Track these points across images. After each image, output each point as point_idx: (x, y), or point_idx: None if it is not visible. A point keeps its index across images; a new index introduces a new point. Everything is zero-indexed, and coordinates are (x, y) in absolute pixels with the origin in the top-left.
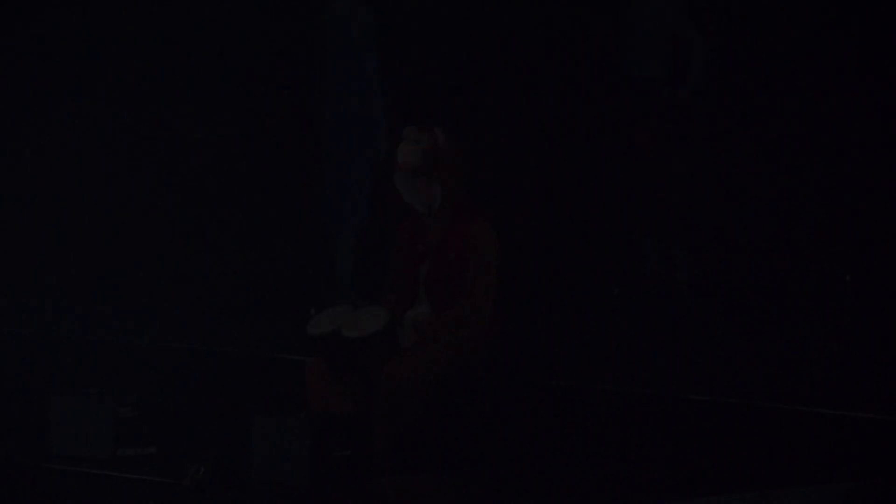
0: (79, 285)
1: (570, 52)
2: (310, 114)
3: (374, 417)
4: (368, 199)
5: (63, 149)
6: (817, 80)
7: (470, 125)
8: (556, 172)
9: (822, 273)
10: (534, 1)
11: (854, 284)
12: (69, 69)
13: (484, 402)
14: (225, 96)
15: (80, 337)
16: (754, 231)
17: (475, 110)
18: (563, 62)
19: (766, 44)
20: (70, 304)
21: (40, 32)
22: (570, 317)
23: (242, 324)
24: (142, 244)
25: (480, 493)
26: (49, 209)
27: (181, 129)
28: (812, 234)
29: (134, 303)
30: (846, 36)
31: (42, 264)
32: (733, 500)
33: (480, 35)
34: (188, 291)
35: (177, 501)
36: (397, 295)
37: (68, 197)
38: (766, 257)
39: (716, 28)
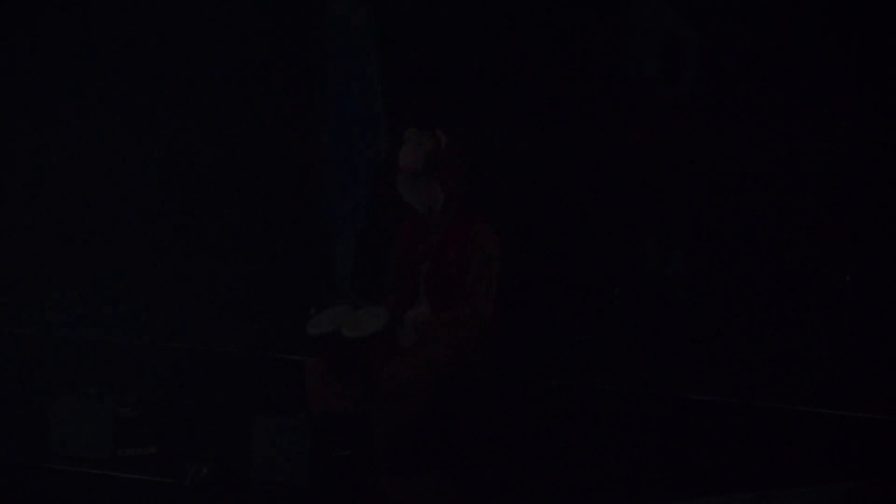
0: (79, 285)
1: (570, 52)
2: (310, 114)
3: (374, 417)
4: (368, 199)
5: (63, 149)
6: (817, 80)
7: (470, 125)
8: (556, 173)
9: (822, 273)
10: (533, 1)
11: (854, 284)
12: (68, 70)
13: (484, 402)
14: (225, 96)
15: (80, 337)
16: (754, 231)
17: (475, 110)
18: (562, 62)
19: (765, 44)
20: (70, 304)
21: (41, 33)
22: (570, 317)
23: (242, 324)
24: (142, 244)
25: (480, 493)
26: (49, 209)
27: (181, 130)
28: (812, 234)
29: (134, 303)
30: (846, 36)
31: (42, 264)
32: (733, 500)
33: (480, 35)
34: (188, 291)
35: (177, 501)
36: (397, 295)
37: (68, 197)
38: (765, 257)
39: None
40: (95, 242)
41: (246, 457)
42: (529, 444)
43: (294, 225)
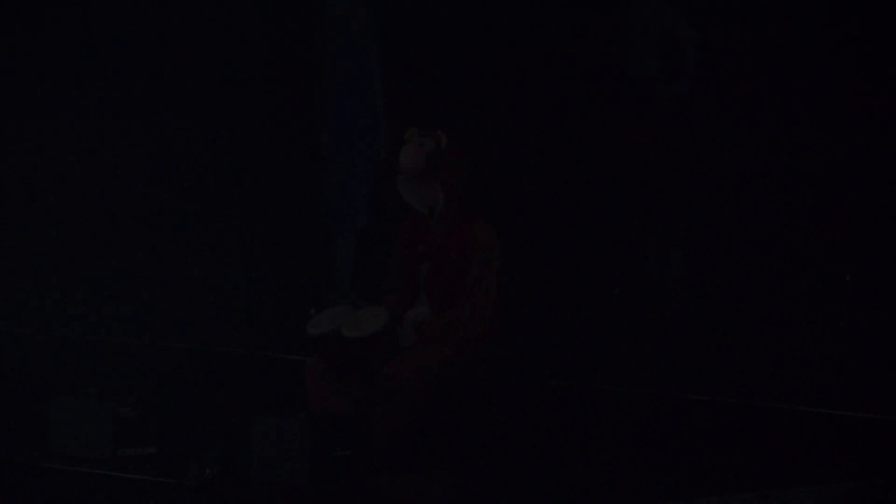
0: (79, 285)
1: (570, 52)
2: (310, 114)
3: (374, 417)
4: (368, 199)
5: (63, 150)
6: (817, 81)
7: (470, 125)
8: (556, 172)
9: (821, 273)
10: (533, 1)
11: (854, 284)
12: (69, 70)
13: (484, 402)
14: (225, 96)
15: (80, 337)
16: (754, 231)
17: (475, 110)
18: (562, 62)
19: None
20: (70, 304)
21: (42, 33)
22: (570, 317)
23: (242, 324)
24: (142, 244)
25: (480, 493)
26: (49, 209)
27: (181, 130)
28: (812, 235)
29: (134, 303)
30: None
31: (42, 264)
32: (733, 500)
33: (480, 35)
34: (188, 291)
35: (177, 501)
36: (397, 295)
37: (69, 197)
38: (765, 257)
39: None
40: (95, 242)
41: (246, 457)
42: (529, 444)
43: (294, 225)
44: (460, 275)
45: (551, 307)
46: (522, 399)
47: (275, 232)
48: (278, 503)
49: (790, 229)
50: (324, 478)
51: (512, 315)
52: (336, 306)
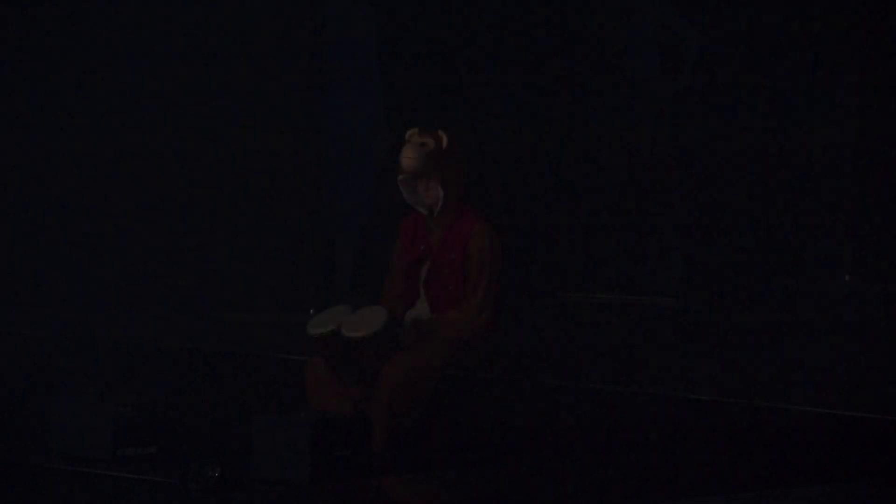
0: (78, 285)
1: (570, 52)
2: (310, 114)
3: (374, 417)
4: (368, 199)
5: (63, 150)
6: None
7: (470, 126)
8: (556, 172)
9: (821, 273)
10: (533, 1)
11: (854, 284)
12: (69, 70)
13: (484, 402)
14: (225, 97)
15: (80, 337)
16: (753, 231)
17: (475, 111)
18: (562, 62)
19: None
20: (70, 304)
21: (43, 32)
22: (570, 317)
23: (242, 324)
24: (142, 244)
25: (480, 493)
26: (49, 209)
27: (182, 130)
28: (811, 235)
29: (134, 303)
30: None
31: (42, 264)
32: (733, 500)
33: (481, 35)
34: (188, 291)
35: (178, 501)
36: (397, 295)
37: (69, 197)
38: (765, 257)
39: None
40: (95, 243)
41: (246, 457)
42: (529, 444)
43: (294, 225)
44: (460, 275)
45: (551, 307)
46: (522, 399)
47: (275, 232)
48: (278, 503)
49: (789, 230)
50: (324, 478)
51: (512, 315)
52: (336, 306)
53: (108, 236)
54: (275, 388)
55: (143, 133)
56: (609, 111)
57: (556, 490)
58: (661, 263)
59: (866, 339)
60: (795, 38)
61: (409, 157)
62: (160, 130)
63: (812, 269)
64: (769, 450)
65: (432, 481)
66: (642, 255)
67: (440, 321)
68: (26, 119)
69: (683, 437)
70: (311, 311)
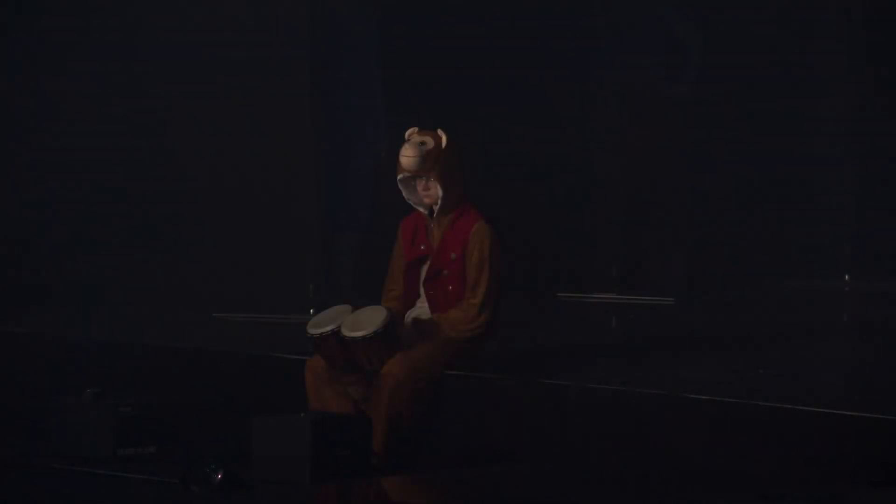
0: (79, 285)
1: (570, 51)
2: (310, 114)
3: (374, 417)
4: (368, 199)
5: (62, 149)
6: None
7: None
8: (557, 173)
9: (821, 273)
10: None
11: (854, 284)
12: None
13: (484, 402)
14: (225, 97)
15: (80, 337)
16: (753, 232)
17: (476, 111)
18: (562, 62)
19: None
20: (70, 304)
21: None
22: (570, 316)
23: (242, 324)
24: (142, 244)
25: (480, 493)
26: (49, 209)
27: (181, 130)
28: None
29: (134, 303)
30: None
31: (42, 264)
32: (733, 500)
33: (481, 36)
34: (188, 291)
35: (178, 501)
36: (397, 295)
37: (69, 197)
38: (764, 256)
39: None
40: (95, 242)
41: (246, 457)
42: (529, 444)
43: (294, 226)
44: (460, 275)
45: (551, 307)
46: (522, 399)
47: (275, 232)
48: (278, 503)
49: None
50: (324, 478)
51: (512, 315)
52: (336, 306)
53: (107, 236)
54: (275, 388)
55: (143, 133)
56: (609, 111)
57: (556, 490)
58: (661, 263)
59: (866, 339)
60: (795, 38)
61: (407, 156)
62: (160, 130)
63: (812, 269)
64: (769, 450)
65: (432, 481)
66: (642, 256)
67: (441, 321)
68: (26, 119)
69: (684, 437)
70: (311, 311)
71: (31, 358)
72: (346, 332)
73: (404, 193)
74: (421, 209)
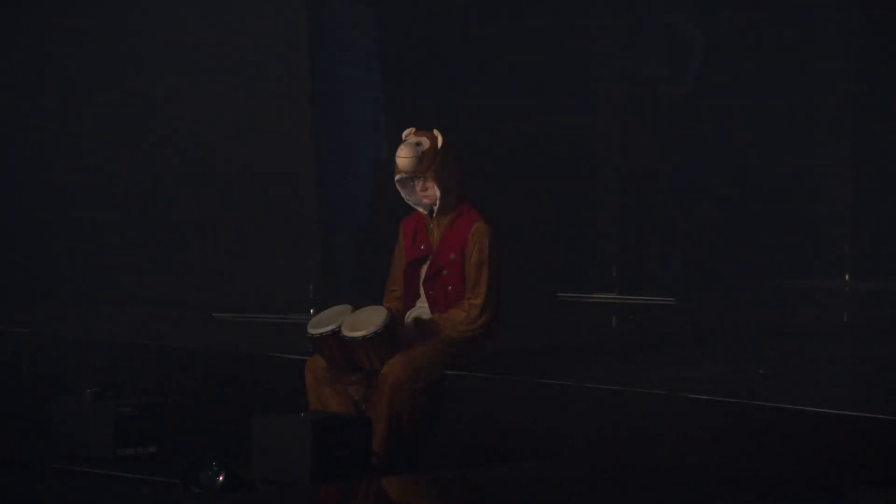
0: (79, 285)
1: (571, 51)
2: (310, 114)
3: (374, 417)
4: (368, 199)
5: (63, 148)
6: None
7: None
8: (557, 172)
9: (821, 273)
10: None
11: (854, 284)
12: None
13: (484, 402)
14: (225, 96)
15: (80, 337)
16: (753, 232)
17: (476, 112)
18: (563, 62)
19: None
20: (70, 304)
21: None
22: (570, 316)
23: (242, 323)
24: (142, 244)
25: (480, 493)
26: (49, 209)
27: (183, 129)
28: (811, 235)
29: (134, 303)
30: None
31: (42, 264)
32: (733, 500)
33: (482, 37)
34: (188, 291)
35: (178, 501)
36: (398, 294)
37: (69, 196)
38: (764, 256)
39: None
40: (95, 242)
41: (246, 457)
42: (529, 444)
43: (294, 225)
44: (460, 275)
45: (550, 306)
46: (522, 399)
47: (275, 232)
48: (278, 503)
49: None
50: (324, 478)
51: (512, 314)
52: (336, 306)
53: (108, 236)
54: (275, 388)
55: (143, 133)
56: (610, 111)
57: (556, 490)
58: (661, 263)
59: (866, 339)
60: (795, 38)
61: (403, 157)
62: (160, 131)
63: (812, 269)
64: (769, 450)
65: (432, 481)
66: (642, 256)
67: (441, 320)
68: (28, 119)
69: (683, 437)
70: (311, 311)
71: (31, 358)
72: (346, 332)
73: (403, 194)
74: (420, 209)
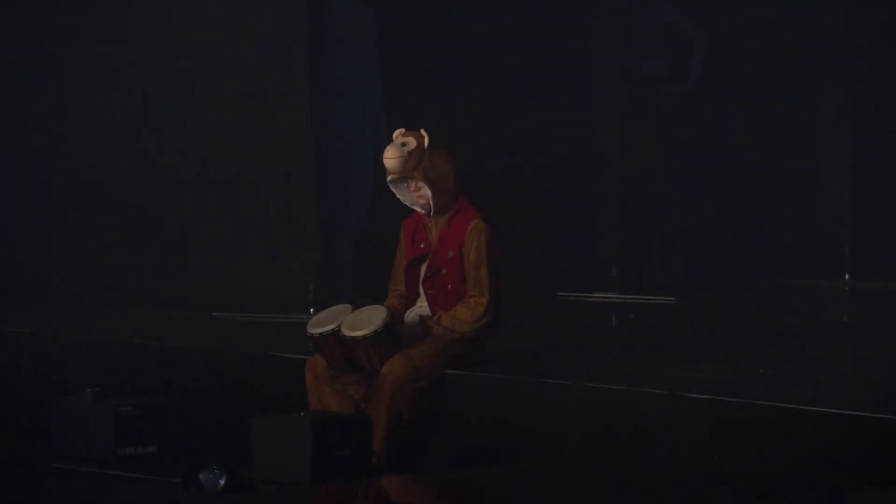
0: (79, 285)
1: (570, 51)
2: (310, 114)
3: (374, 417)
4: (368, 199)
5: (62, 147)
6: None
7: (469, 125)
8: (557, 172)
9: (821, 273)
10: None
11: (854, 284)
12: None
13: (484, 402)
14: (226, 96)
15: (80, 337)
16: (753, 231)
17: (477, 112)
18: (563, 62)
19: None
20: (70, 304)
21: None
22: (570, 316)
23: (242, 323)
24: (142, 244)
25: (480, 493)
26: (49, 209)
27: (183, 128)
28: (811, 235)
29: (134, 303)
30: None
31: (42, 264)
32: (733, 500)
33: (482, 37)
34: (188, 291)
35: (177, 501)
36: (398, 294)
37: (68, 196)
38: (764, 256)
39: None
40: (96, 242)
41: (246, 457)
42: (529, 444)
43: (294, 225)
44: (459, 273)
45: (550, 306)
46: (522, 399)
47: (275, 231)
48: (278, 503)
49: (787, 230)
50: (324, 478)
51: (512, 314)
52: (336, 306)
53: (108, 236)
54: (275, 388)
55: (143, 134)
56: (610, 110)
57: (556, 490)
58: (661, 263)
59: (866, 339)
60: (795, 38)
61: (389, 157)
62: (161, 131)
63: (812, 269)
64: (769, 450)
65: (432, 481)
66: (642, 256)
67: (441, 319)
68: (28, 119)
69: (683, 437)
70: (311, 311)
71: (31, 358)
72: (346, 332)
73: (398, 195)
74: (418, 209)
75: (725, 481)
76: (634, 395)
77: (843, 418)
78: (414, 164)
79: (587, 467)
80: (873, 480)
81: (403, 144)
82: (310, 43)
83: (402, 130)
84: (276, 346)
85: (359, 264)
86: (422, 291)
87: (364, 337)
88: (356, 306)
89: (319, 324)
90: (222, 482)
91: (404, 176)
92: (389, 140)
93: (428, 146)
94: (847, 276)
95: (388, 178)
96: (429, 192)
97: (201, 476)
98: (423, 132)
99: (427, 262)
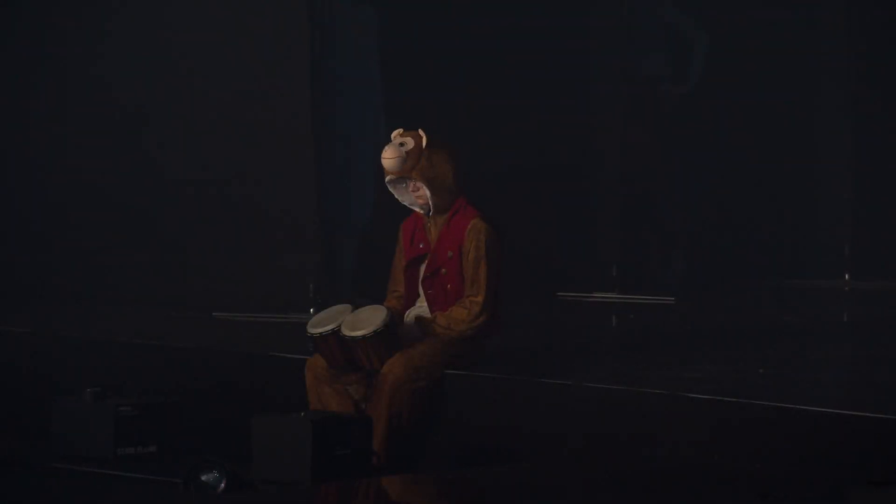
0: (79, 285)
1: (571, 51)
2: (310, 114)
3: (374, 417)
4: (368, 199)
5: (62, 147)
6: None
7: (469, 125)
8: (557, 172)
9: (821, 273)
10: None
11: (853, 285)
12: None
13: (484, 402)
14: (226, 96)
15: (80, 337)
16: (753, 231)
17: (477, 113)
18: (563, 62)
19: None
20: (70, 304)
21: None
22: (570, 316)
23: (242, 323)
24: (142, 244)
25: (480, 493)
26: (49, 209)
27: (182, 129)
28: (811, 235)
29: (134, 303)
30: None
31: (42, 264)
32: (733, 500)
33: (482, 38)
34: (188, 291)
35: (177, 501)
36: (398, 294)
37: (68, 196)
38: (764, 256)
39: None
40: (96, 242)
41: (246, 457)
42: (529, 444)
43: (294, 225)
44: (458, 273)
45: (550, 306)
46: (522, 399)
47: (275, 231)
48: (278, 503)
49: (787, 230)
50: (324, 477)
51: (512, 313)
52: (336, 306)
53: (108, 236)
54: (275, 388)
55: (143, 134)
56: (610, 110)
57: (556, 490)
58: (661, 263)
59: (866, 339)
60: (795, 38)
61: (387, 158)
62: (161, 131)
63: (812, 269)
64: (769, 450)
65: (432, 481)
66: (642, 255)
67: (441, 319)
68: (28, 119)
69: (682, 437)
70: (311, 311)
71: (31, 358)
72: (346, 332)
73: (396, 196)
74: (417, 209)
75: (725, 481)
76: (634, 395)
77: (843, 418)
78: (412, 165)
79: (587, 467)
80: (873, 480)
81: (401, 145)
82: (310, 43)
83: (401, 131)
84: (276, 346)
85: (359, 264)
86: (421, 291)
87: (364, 337)
88: (356, 306)
89: (319, 324)
90: (223, 484)
91: (402, 176)
92: (389, 140)
93: (426, 146)
94: (847, 276)
95: (387, 179)
96: (427, 193)
97: (203, 477)
98: (421, 132)
99: (426, 262)
